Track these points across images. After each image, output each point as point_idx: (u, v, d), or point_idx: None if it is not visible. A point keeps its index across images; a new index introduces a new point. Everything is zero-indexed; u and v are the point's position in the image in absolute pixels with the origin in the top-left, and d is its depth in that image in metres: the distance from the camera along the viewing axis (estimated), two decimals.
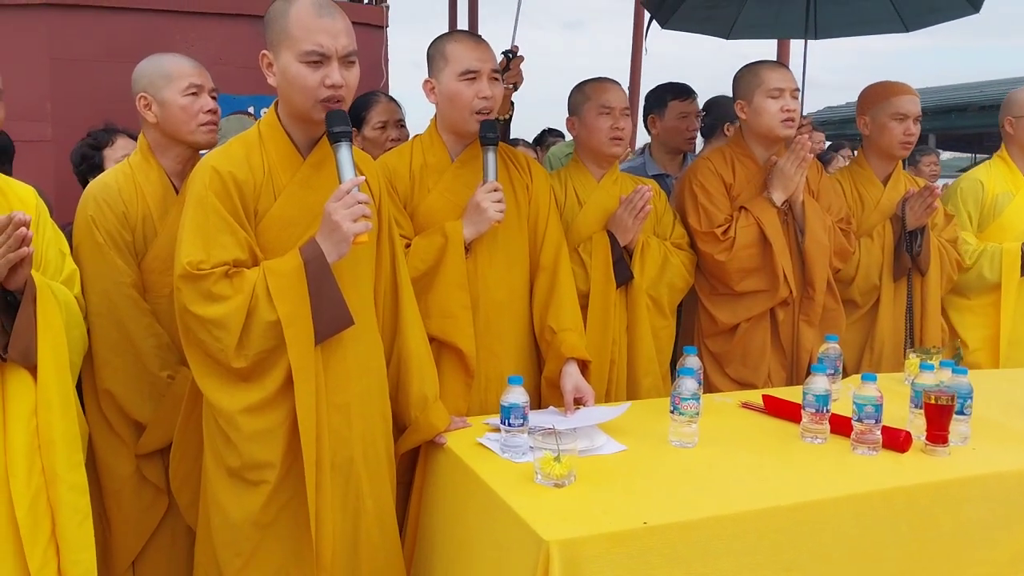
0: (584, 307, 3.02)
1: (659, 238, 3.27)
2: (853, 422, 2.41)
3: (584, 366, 2.80)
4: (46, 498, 2.16)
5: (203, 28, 4.80)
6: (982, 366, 3.72)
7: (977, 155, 16.07)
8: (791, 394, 2.75)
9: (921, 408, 2.44)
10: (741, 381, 3.32)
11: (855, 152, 6.04)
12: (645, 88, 5.08)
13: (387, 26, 5.52)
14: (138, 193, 2.67)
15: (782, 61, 6.16)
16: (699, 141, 4.40)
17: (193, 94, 2.68)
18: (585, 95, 3.19)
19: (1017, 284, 3.74)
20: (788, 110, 3.25)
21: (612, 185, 3.24)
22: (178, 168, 2.73)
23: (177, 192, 2.70)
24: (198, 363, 2.25)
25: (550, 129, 7.14)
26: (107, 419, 2.62)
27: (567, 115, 3.27)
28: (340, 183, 2.20)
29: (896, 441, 2.40)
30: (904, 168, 3.87)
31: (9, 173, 2.81)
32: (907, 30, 5.15)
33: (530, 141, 6.86)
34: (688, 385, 2.41)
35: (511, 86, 3.28)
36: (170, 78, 2.67)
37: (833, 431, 2.49)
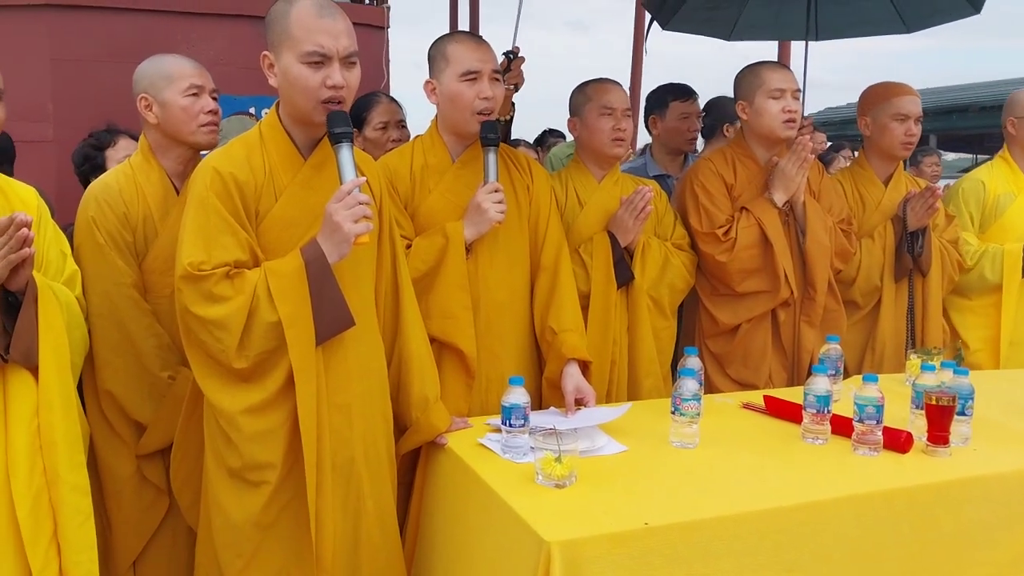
0: (585, 308, 3.02)
1: (660, 239, 3.27)
2: (854, 423, 2.41)
3: (585, 367, 2.80)
4: (47, 499, 2.16)
5: (204, 29, 4.80)
6: (983, 367, 3.72)
7: (978, 156, 16.06)
8: (792, 395, 2.75)
9: (922, 409, 2.44)
10: (742, 382, 3.32)
11: (855, 153, 6.05)
12: (646, 89, 5.08)
13: (388, 27, 5.52)
14: (139, 194, 2.67)
15: (783, 62, 6.16)
16: (700, 142, 4.40)
17: (194, 95, 2.68)
18: (587, 96, 3.19)
19: (1018, 285, 3.74)
20: (789, 111, 3.25)
21: (613, 186, 3.24)
22: (179, 169, 2.73)
23: (178, 193, 2.70)
24: (199, 364, 2.25)
25: (551, 130, 7.15)
26: (108, 420, 2.62)
27: (568, 116, 3.27)
28: (341, 184, 2.20)
29: (897, 442, 2.40)
30: (906, 169, 3.87)
31: (10, 174, 2.81)
32: (908, 31, 5.15)
33: (531, 142, 6.86)
34: (689, 386, 2.41)
35: (512, 87, 3.28)
36: (171, 79, 2.67)
37: (834, 432, 2.49)
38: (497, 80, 2.78)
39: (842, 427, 2.48)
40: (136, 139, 2.87)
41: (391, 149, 3.24)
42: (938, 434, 2.39)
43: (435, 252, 2.70)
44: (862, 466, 2.33)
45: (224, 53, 4.72)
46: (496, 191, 2.70)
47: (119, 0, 4.62)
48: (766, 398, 2.79)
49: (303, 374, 2.21)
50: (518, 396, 2.34)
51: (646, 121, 4.25)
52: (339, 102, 2.25)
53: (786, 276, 3.26)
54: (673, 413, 2.43)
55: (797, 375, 3.35)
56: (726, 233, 3.26)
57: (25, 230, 2.06)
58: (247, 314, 2.17)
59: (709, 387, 3.22)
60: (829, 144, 7.16)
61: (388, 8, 5.57)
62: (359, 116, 3.46)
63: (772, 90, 3.24)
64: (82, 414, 2.36)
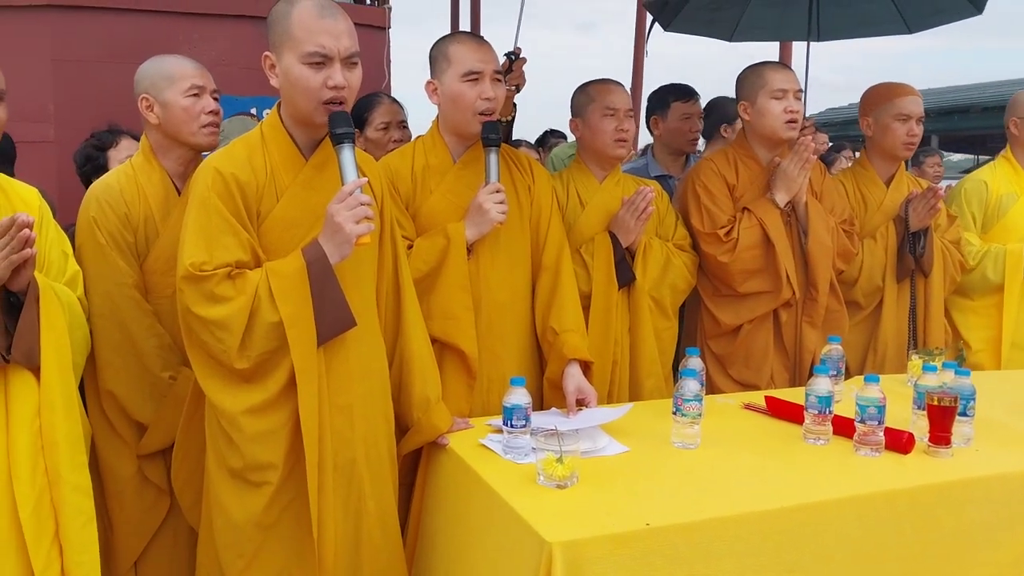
0: (586, 308, 3.02)
1: (661, 239, 3.27)
2: (856, 423, 2.40)
3: (586, 367, 2.80)
4: (49, 499, 2.16)
5: (206, 29, 4.80)
6: (985, 367, 3.72)
7: (980, 156, 16.05)
8: (794, 395, 2.75)
9: (924, 409, 2.44)
10: (744, 382, 3.31)
11: (856, 153, 6.04)
12: (648, 89, 5.08)
13: (389, 27, 5.52)
14: (140, 194, 2.67)
15: (784, 63, 6.15)
16: (701, 142, 4.40)
17: (195, 95, 2.68)
18: (589, 97, 3.19)
19: (1020, 285, 3.74)
20: (791, 111, 3.25)
21: (614, 186, 3.23)
22: (180, 169, 2.73)
23: (179, 193, 2.70)
24: (200, 364, 2.25)
25: (552, 130, 7.15)
26: (109, 420, 2.62)
27: (570, 117, 3.27)
28: (342, 184, 2.20)
29: (899, 442, 2.40)
30: (907, 169, 3.87)
31: (11, 174, 2.81)
32: (910, 31, 5.15)
33: (533, 142, 6.86)
34: (690, 386, 2.41)
35: (514, 88, 3.28)
36: (172, 79, 2.67)
37: (836, 432, 2.49)
38: (498, 81, 2.78)
39: (844, 428, 2.47)
40: (138, 140, 2.87)
41: (392, 150, 3.23)
42: (940, 435, 2.39)
43: (436, 253, 2.70)
44: (864, 467, 2.32)
45: (225, 54, 4.72)
46: (497, 191, 2.70)
47: (120, 1, 4.63)
48: (768, 399, 2.79)
49: (305, 375, 2.21)
50: (519, 397, 2.34)
51: (647, 122, 4.25)
52: (340, 103, 2.25)
53: (788, 277, 3.25)
54: (674, 414, 2.43)
55: (799, 376, 3.34)
56: (728, 234, 3.26)
57: (27, 231, 2.06)
58: (249, 314, 2.18)
59: (711, 388, 3.22)
60: (830, 144, 7.16)
61: (389, 8, 5.57)
62: (360, 117, 3.47)
63: (774, 91, 3.24)
64: (84, 414, 2.36)
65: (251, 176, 2.27)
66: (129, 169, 2.72)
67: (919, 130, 3.61)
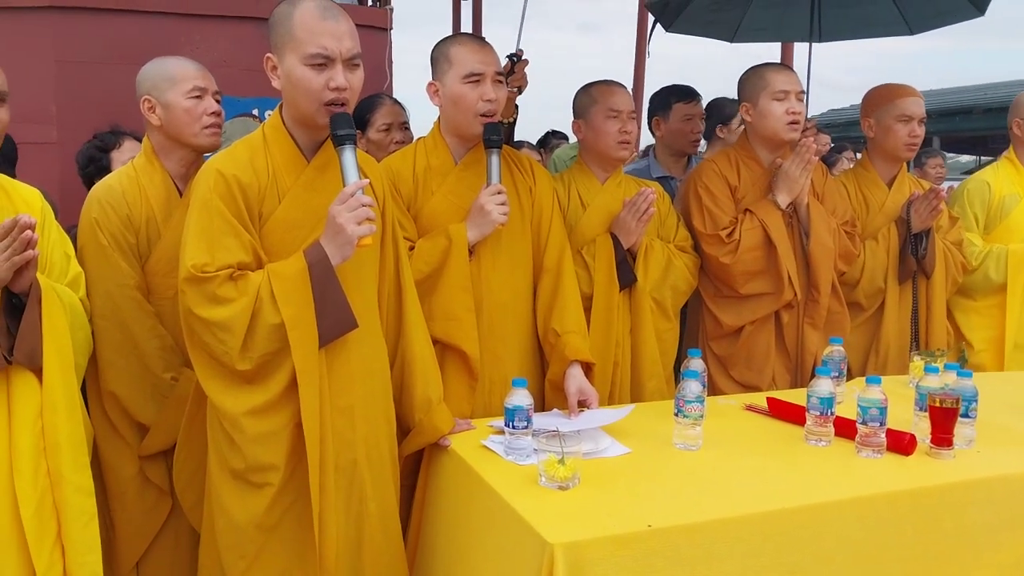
0: (587, 310, 3.02)
1: (663, 241, 3.27)
2: (857, 425, 2.40)
3: (588, 368, 2.80)
4: (52, 500, 2.17)
5: (207, 31, 4.80)
6: (987, 367, 3.72)
7: (982, 158, 16.04)
8: (795, 397, 2.75)
9: (926, 411, 2.43)
10: (745, 384, 3.31)
11: (857, 154, 6.04)
12: (649, 90, 5.08)
13: (391, 28, 5.51)
14: (142, 196, 2.67)
15: (786, 64, 6.15)
16: (703, 144, 4.40)
17: (197, 97, 2.68)
18: (592, 98, 3.19)
19: (1023, 286, 3.73)
20: (793, 112, 3.25)
21: (616, 188, 3.23)
22: (182, 171, 2.73)
23: (181, 195, 2.70)
24: (202, 365, 2.26)
25: (554, 131, 7.15)
26: (111, 420, 2.62)
27: (572, 118, 3.27)
28: (344, 186, 2.20)
29: (900, 444, 2.40)
30: (909, 170, 3.87)
31: (13, 176, 2.82)
32: (912, 33, 5.15)
33: (534, 143, 6.87)
34: (692, 388, 2.41)
35: (515, 90, 3.28)
36: (174, 81, 2.68)
37: (837, 434, 2.49)
38: (500, 82, 2.78)
39: (845, 429, 2.47)
40: (140, 141, 2.88)
41: (394, 151, 3.24)
42: (941, 436, 2.39)
43: (438, 254, 2.70)
44: (865, 468, 2.32)
45: (227, 55, 4.72)
46: (499, 193, 2.70)
47: (122, 2, 4.62)
48: (769, 400, 2.79)
49: (306, 376, 2.21)
50: (521, 398, 2.34)
51: (649, 123, 4.25)
52: (342, 104, 2.25)
53: (790, 278, 3.25)
54: (676, 415, 2.43)
55: (800, 377, 3.34)
56: (729, 235, 3.26)
57: (29, 232, 2.06)
58: (250, 316, 2.18)
59: (712, 389, 3.22)
60: (831, 146, 7.16)
61: (391, 10, 5.56)
62: (362, 118, 3.47)
63: (776, 92, 3.24)
64: (86, 415, 2.37)
65: (253, 178, 2.27)
66: (131, 170, 2.73)
67: (921, 131, 3.61)
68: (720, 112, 4.34)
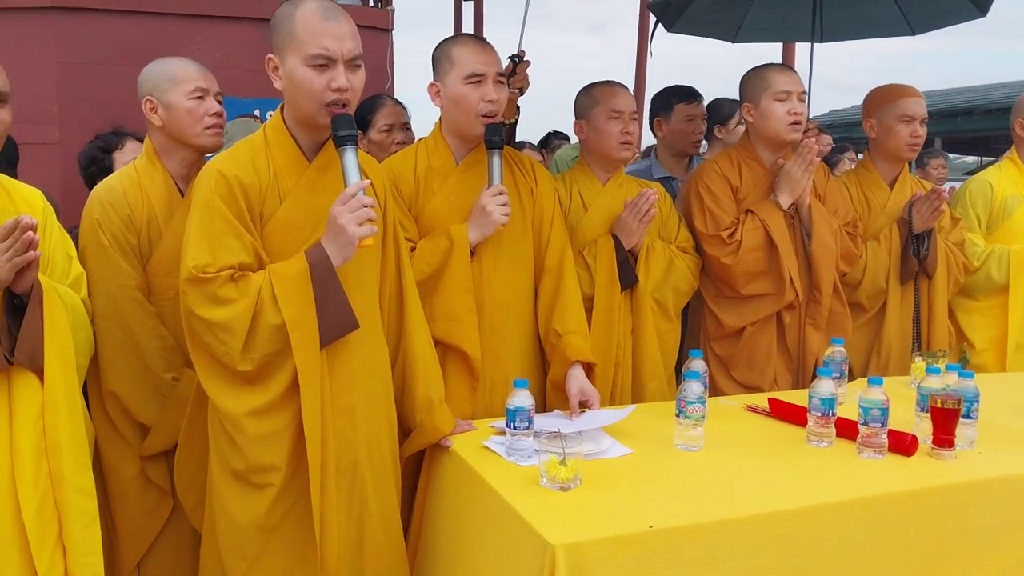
0: (589, 310, 3.02)
1: (664, 241, 3.27)
2: (859, 425, 2.40)
3: (589, 369, 2.80)
4: (53, 501, 2.17)
5: (209, 31, 4.80)
6: (988, 367, 3.71)
7: (983, 158, 16.04)
8: (797, 397, 2.74)
9: (927, 412, 2.43)
10: (747, 384, 3.31)
11: (859, 155, 6.04)
12: (651, 91, 5.08)
13: (392, 29, 5.52)
14: (143, 196, 2.67)
15: (787, 64, 6.15)
16: (704, 144, 4.40)
17: (199, 97, 2.68)
18: (594, 99, 3.19)
19: None
20: (795, 113, 3.24)
21: (617, 188, 3.23)
22: (183, 171, 2.73)
23: (182, 195, 2.70)
24: (203, 366, 2.26)
25: (555, 132, 7.15)
26: (112, 421, 2.62)
27: (574, 119, 3.27)
28: (346, 187, 2.20)
29: (902, 445, 2.39)
30: (911, 171, 3.86)
31: (15, 176, 2.82)
32: (913, 33, 5.15)
33: (536, 143, 6.86)
34: (693, 388, 2.41)
35: (517, 91, 3.28)
36: (175, 81, 2.68)
37: (839, 435, 2.48)
38: (501, 83, 2.78)
39: (847, 430, 2.47)
40: (143, 142, 2.88)
41: (395, 151, 3.24)
42: (943, 437, 2.38)
43: (439, 255, 2.70)
44: (867, 469, 2.32)
45: (229, 56, 4.72)
46: (500, 194, 2.70)
47: (124, 3, 4.63)
48: (771, 401, 2.79)
49: (307, 377, 2.21)
50: (522, 398, 2.34)
51: (651, 123, 4.25)
52: (344, 105, 2.25)
53: (791, 279, 3.25)
54: (677, 416, 2.43)
55: (802, 378, 3.34)
56: (731, 235, 3.26)
57: (30, 233, 2.06)
58: (251, 317, 2.18)
59: (714, 390, 3.22)
60: (833, 146, 7.15)
61: (392, 11, 5.57)
62: (364, 118, 3.47)
63: (778, 92, 3.24)
64: (87, 416, 2.37)
65: (254, 178, 2.27)
66: (132, 171, 2.73)
67: (923, 131, 3.60)
68: (718, 112, 4.34)
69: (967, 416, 2.46)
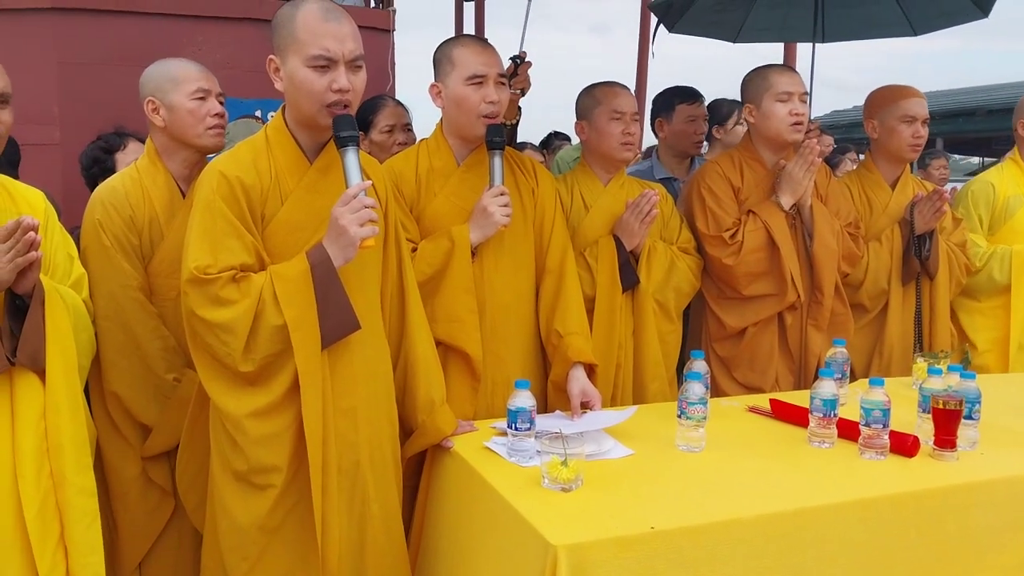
0: (590, 311, 3.02)
1: (666, 242, 3.27)
2: (861, 426, 2.40)
3: (591, 370, 2.80)
4: (54, 501, 2.17)
5: (210, 32, 4.80)
6: (990, 368, 3.71)
7: (985, 159, 16.04)
8: (798, 398, 2.74)
9: (929, 413, 2.43)
10: (748, 385, 3.31)
11: (860, 156, 6.04)
12: (652, 91, 5.08)
13: (394, 30, 5.51)
14: (145, 197, 2.67)
15: (789, 64, 6.15)
16: (705, 145, 4.39)
17: (200, 98, 2.68)
18: (596, 100, 3.19)
19: None
20: (796, 114, 3.24)
21: (619, 189, 3.23)
22: (185, 172, 2.74)
23: (184, 196, 2.71)
24: (205, 367, 2.26)
25: (557, 132, 7.14)
26: (113, 421, 2.62)
27: (575, 119, 3.27)
28: (347, 188, 2.20)
29: (904, 446, 2.39)
30: (913, 172, 3.86)
31: (16, 177, 2.82)
32: (915, 34, 5.14)
33: (537, 144, 6.86)
34: (695, 389, 2.41)
35: (518, 91, 3.28)
36: (177, 82, 2.68)
37: (840, 435, 2.48)
38: (503, 84, 2.78)
39: (848, 431, 2.47)
40: (144, 143, 2.88)
41: (397, 152, 3.24)
42: (945, 438, 2.38)
43: (441, 255, 2.70)
44: (868, 470, 2.32)
45: (230, 57, 4.72)
46: (501, 194, 2.70)
47: (125, 3, 4.63)
48: (772, 402, 2.79)
49: (309, 377, 2.21)
50: (524, 399, 2.34)
51: (652, 124, 4.25)
52: (345, 106, 2.25)
53: (793, 280, 3.25)
54: (679, 417, 2.43)
55: (804, 379, 3.34)
56: (733, 236, 3.26)
57: (32, 234, 2.07)
58: (253, 317, 2.18)
59: (715, 391, 3.21)
60: (834, 147, 7.15)
61: (394, 11, 5.56)
62: (365, 119, 3.47)
63: (779, 93, 3.24)
64: (89, 417, 2.37)
65: (256, 179, 2.27)
66: (134, 172, 2.73)
67: (924, 132, 3.61)
68: (716, 113, 4.34)
69: (969, 417, 2.46)
